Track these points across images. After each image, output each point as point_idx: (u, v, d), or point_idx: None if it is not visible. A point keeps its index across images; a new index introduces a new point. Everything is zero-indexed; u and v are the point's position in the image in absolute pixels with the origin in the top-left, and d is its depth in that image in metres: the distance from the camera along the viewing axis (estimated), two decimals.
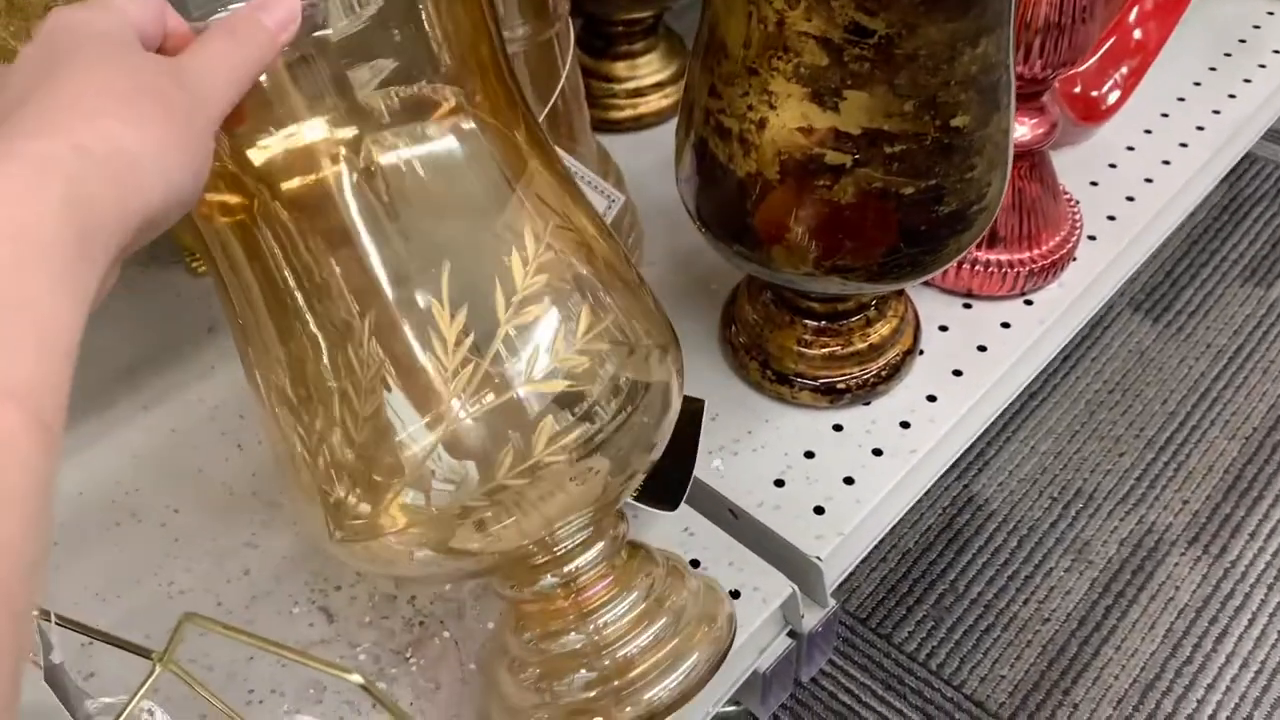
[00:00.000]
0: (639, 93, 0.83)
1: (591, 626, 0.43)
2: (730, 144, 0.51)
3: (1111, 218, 0.76)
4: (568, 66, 0.61)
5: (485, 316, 0.38)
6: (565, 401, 0.39)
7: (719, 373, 0.66)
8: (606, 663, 0.43)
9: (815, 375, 0.63)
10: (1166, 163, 0.81)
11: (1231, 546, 0.88)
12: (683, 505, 0.58)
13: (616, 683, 0.42)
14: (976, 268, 0.69)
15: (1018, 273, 0.69)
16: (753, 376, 0.64)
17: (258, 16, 0.33)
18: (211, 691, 0.43)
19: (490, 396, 0.38)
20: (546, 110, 0.60)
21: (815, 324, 0.62)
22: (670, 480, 0.53)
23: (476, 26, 0.40)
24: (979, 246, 0.69)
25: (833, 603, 0.58)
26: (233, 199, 0.37)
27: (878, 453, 0.62)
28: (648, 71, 0.83)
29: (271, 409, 0.40)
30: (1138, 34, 0.80)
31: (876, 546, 0.62)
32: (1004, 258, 0.69)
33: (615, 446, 0.40)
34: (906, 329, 0.65)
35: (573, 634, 0.44)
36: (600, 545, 0.44)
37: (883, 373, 0.63)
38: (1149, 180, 0.79)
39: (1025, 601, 0.85)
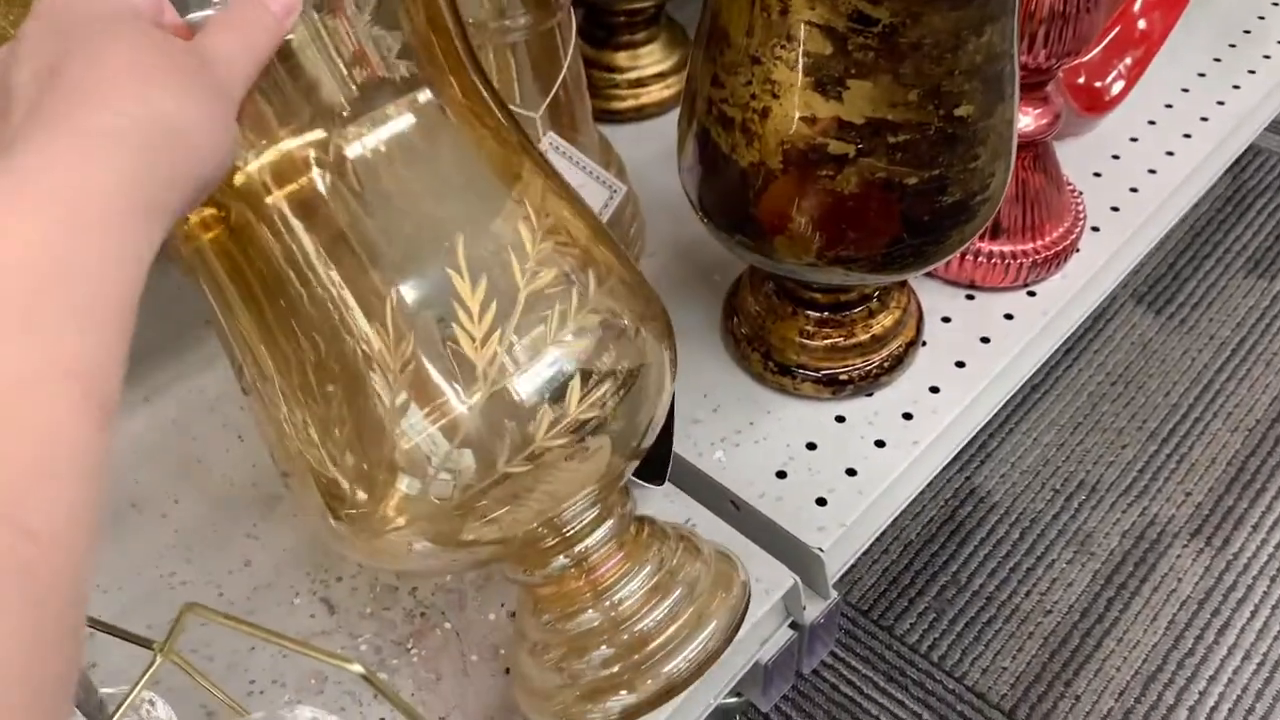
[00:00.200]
0: (641, 83, 0.82)
1: (607, 603, 0.44)
2: (733, 133, 0.51)
3: (1115, 209, 0.76)
4: (569, 56, 0.60)
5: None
6: (563, 385, 0.39)
7: (721, 364, 0.66)
8: (625, 637, 0.43)
9: (817, 366, 0.62)
10: (1170, 154, 0.80)
11: (1234, 539, 0.87)
12: (685, 496, 0.59)
13: (636, 657, 0.43)
14: (979, 259, 0.69)
15: (1021, 264, 0.69)
16: (755, 368, 0.64)
17: (263, 1, 0.33)
18: (212, 682, 0.43)
19: (486, 384, 0.38)
20: (548, 100, 0.60)
21: (818, 315, 0.62)
22: (654, 457, 0.54)
23: (434, 19, 0.40)
24: (982, 237, 0.68)
25: (834, 594, 0.58)
26: (208, 210, 0.37)
27: (880, 444, 0.61)
28: (650, 62, 0.83)
29: (278, 398, 0.40)
30: (1142, 24, 0.80)
31: (878, 538, 0.62)
32: (1007, 249, 0.69)
33: (615, 426, 0.41)
34: (909, 320, 0.65)
35: (590, 612, 0.44)
36: (609, 523, 0.44)
37: (885, 364, 0.63)
38: (1153, 171, 0.79)
39: (1027, 593, 0.85)
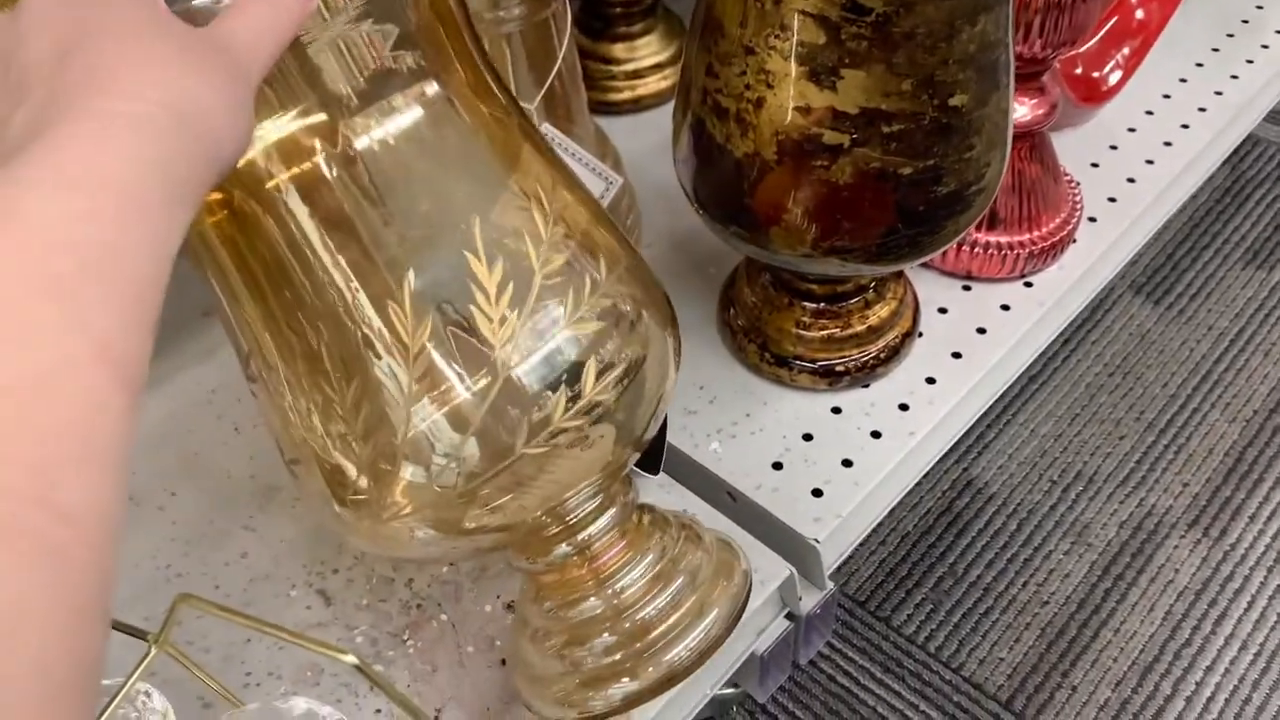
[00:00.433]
0: (637, 74, 0.82)
1: (609, 591, 0.44)
2: (727, 124, 0.51)
3: (1112, 199, 0.76)
4: (564, 47, 0.60)
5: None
6: (569, 373, 0.39)
7: (717, 355, 0.66)
8: (627, 625, 0.43)
9: (814, 358, 0.62)
10: (1168, 144, 0.80)
11: (1231, 529, 0.87)
12: (680, 487, 0.59)
13: (638, 644, 0.43)
14: (976, 249, 0.69)
15: (1017, 255, 0.69)
16: (751, 359, 0.64)
17: None
18: (208, 673, 0.43)
19: (501, 367, 0.38)
20: (543, 92, 0.60)
21: (814, 306, 0.62)
22: (649, 447, 0.54)
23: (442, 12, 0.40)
24: (978, 228, 0.68)
25: (831, 585, 0.58)
26: (213, 195, 0.37)
27: (876, 435, 0.61)
28: (646, 53, 0.83)
29: (283, 387, 0.40)
30: (1139, 14, 0.80)
31: (875, 529, 0.62)
32: (1004, 239, 0.69)
33: (619, 415, 0.41)
34: (905, 311, 0.65)
35: (592, 599, 0.44)
36: (612, 511, 0.44)
37: (881, 355, 0.63)
38: (1150, 162, 0.79)
39: (1024, 584, 0.85)
